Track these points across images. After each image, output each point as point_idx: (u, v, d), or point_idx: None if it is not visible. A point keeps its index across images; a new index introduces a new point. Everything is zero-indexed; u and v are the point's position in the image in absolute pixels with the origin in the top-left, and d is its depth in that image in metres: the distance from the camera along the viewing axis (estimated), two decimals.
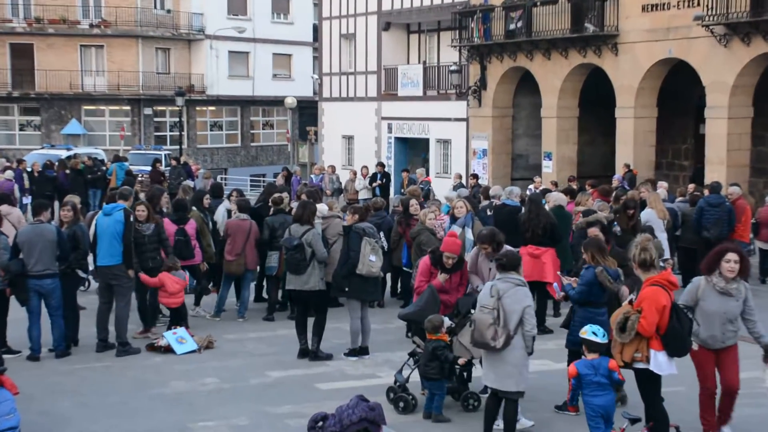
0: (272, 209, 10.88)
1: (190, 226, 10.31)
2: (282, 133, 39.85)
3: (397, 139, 27.17)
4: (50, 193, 18.81)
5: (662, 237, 11.04)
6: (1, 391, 5.92)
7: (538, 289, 9.50)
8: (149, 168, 22.97)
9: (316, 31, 33.02)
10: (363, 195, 20.39)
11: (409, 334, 9.05)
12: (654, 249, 6.36)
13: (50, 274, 8.66)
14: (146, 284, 9.55)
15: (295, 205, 10.30)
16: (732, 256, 6.19)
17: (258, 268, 11.04)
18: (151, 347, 9.22)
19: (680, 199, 13.68)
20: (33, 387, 7.87)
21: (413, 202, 11.28)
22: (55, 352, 8.93)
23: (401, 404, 7.19)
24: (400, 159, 26.85)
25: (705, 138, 18.56)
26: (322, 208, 10.32)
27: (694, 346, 6.26)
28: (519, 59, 22.18)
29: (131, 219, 9.12)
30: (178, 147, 31.23)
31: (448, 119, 24.73)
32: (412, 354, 7.43)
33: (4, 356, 7.85)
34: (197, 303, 10.94)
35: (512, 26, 21.73)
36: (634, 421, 6.05)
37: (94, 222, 9.41)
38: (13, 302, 9.08)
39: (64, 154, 24.43)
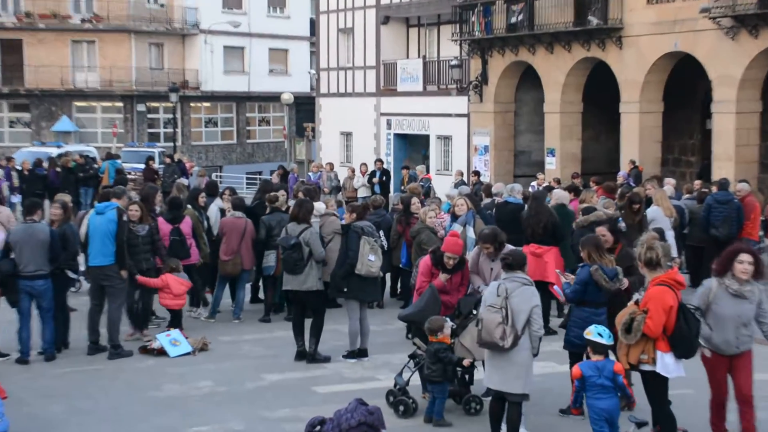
0: (268, 208, 10.85)
1: (186, 225, 10.26)
2: (278, 130, 39.81)
3: (397, 135, 27.15)
4: (40, 192, 18.78)
5: (669, 235, 11.01)
6: None
7: (541, 289, 9.46)
8: (142, 166, 22.95)
9: (313, 25, 32.99)
10: (362, 193, 20.37)
11: (410, 336, 9.03)
12: (660, 247, 6.33)
13: (42, 274, 8.64)
14: (146, 285, 9.52)
15: (292, 203, 10.27)
16: (746, 257, 6.08)
17: (254, 268, 11.00)
18: (144, 350, 9.20)
19: (687, 196, 13.66)
20: (22, 391, 7.84)
21: (415, 200, 11.25)
22: (44, 355, 8.90)
23: (401, 408, 7.17)
24: (399, 156, 26.83)
25: (712, 133, 18.54)
26: (319, 206, 10.29)
27: (707, 353, 6.17)
28: (521, 53, 22.15)
29: (124, 218, 9.09)
30: (172, 144, 31.20)
31: (449, 115, 24.71)
32: (412, 356, 7.40)
33: None
34: (197, 304, 10.88)
35: (514, 19, 21.70)
36: (640, 424, 6.04)
37: (86, 221, 9.38)
38: (2, 303, 9.05)
39: (54, 151, 24.39)
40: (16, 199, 19.62)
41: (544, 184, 16.98)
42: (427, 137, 26.04)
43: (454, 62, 23.63)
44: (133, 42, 35.90)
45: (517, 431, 6.37)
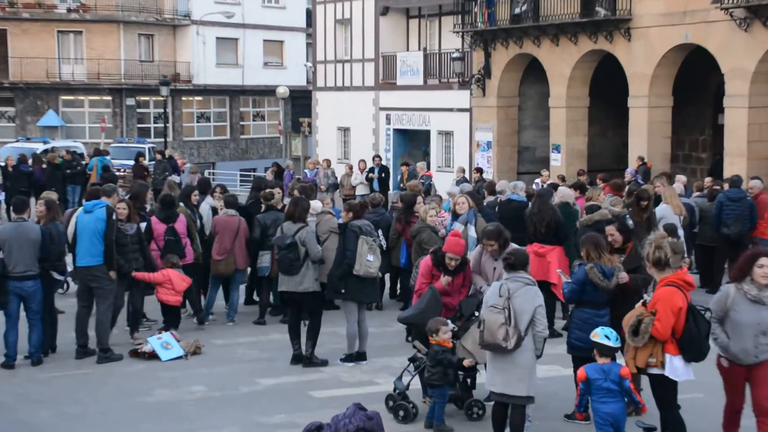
0: (263, 206, 10.86)
1: (181, 224, 10.24)
2: (273, 125, 39.82)
3: (396, 130, 27.17)
4: (26, 190, 18.78)
5: (678, 234, 11.04)
6: None
7: (545, 290, 9.49)
8: (132, 162, 22.96)
9: (310, 16, 32.98)
10: (360, 190, 20.39)
11: (410, 338, 9.05)
12: (669, 247, 6.35)
13: (32, 275, 8.67)
14: (146, 282, 9.57)
15: (287, 201, 10.29)
16: (766, 260, 6.01)
17: (249, 268, 11.02)
18: (135, 353, 9.22)
19: (697, 193, 13.69)
20: (8, 396, 7.87)
21: (419, 199, 11.26)
22: (31, 360, 8.93)
23: (401, 413, 7.20)
24: (399, 152, 26.84)
25: (724, 128, 18.56)
26: (315, 205, 10.32)
27: (724, 362, 6.16)
28: (525, 45, 22.17)
29: (114, 217, 9.11)
30: (162, 140, 31.22)
31: (450, 110, 24.73)
32: (412, 359, 7.43)
33: None
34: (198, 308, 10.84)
35: (518, 10, 21.71)
36: (648, 430, 6.06)
37: (73, 220, 9.40)
38: None
39: (40, 147, 24.42)
40: (0, 197, 19.63)
41: (549, 182, 17.01)
42: (427, 133, 26.05)
43: (455, 55, 23.65)
44: (122, 33, 35.89)
45: None
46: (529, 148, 23.88)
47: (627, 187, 13.15)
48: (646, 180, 16.20)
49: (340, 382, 8.38)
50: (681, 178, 14.48)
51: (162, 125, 33.42)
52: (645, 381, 6.48)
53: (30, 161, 20.97)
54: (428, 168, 22.50)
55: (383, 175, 20.89)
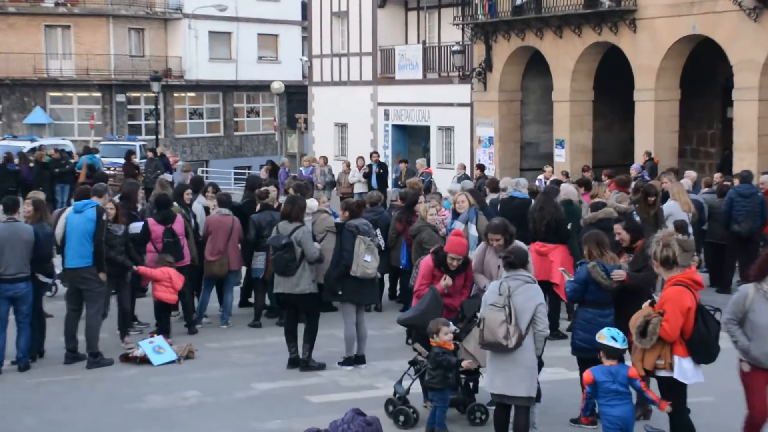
0: (258, 205, 10.84)
1: (179, 225, 10.22)
2: (268, 121, 39.81)
3: (395, 126, 27.16)
4: (13, 189, 18.78)
5: (688, 231, 11.03)
6: None
7: (549, 290, 9.48)
8: (122, 161, 22.94)
9: (305, 8, 32.96)
10: (358, 188, 20.38)
11: (410, 341, 9.04)
12: (677, 245, 6.33)
13: (23, 277, 8.68)
14: (150, 277, 9.65)
15: (283, 200, 10.26)
16: None
17: (243, 269, 11.01)
18: (125, 358, 9.21)
19: (706, 189, 13.68)
20: None
21: (422, 198, 11.23)
22: (18, 365, 8.91)
23: (401, 418, 7.19)
24: (398, 148, 26.85)
25: (733, 122, 18.57)
26: (311, 203, 10.30)
27: (745, 367, 6.12)
28: (528, 38, 22.16)
29: (104, 217, 9.10)
30: (154, 137, 31.18)
31: (451, 104, 24.73)
32: (412, 362, 7.42)
33: None
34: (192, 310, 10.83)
35: (520, 1, 21.72)
36: None
37: (62, 220, 9.38)
38: None
39: (27, 145, 24.40)
40: None
41: (552, 178, 17.01)
42: (427, 128, 26.06)
43: (456, 48, 23.64)
44: (112, 27, 35.87)
45: None
46: (532, 144, 23.88)
47: (633, 183, 13.15)
48: (653, 176, 16.19)
49: (339, 387, 8.37)
50: (690, 174, 14.47)
51: (153, 122, 33.38)
52: (654, 384, 6.46)
53: (17, 160, 20.96)
54: (428, 165, 22.49)
55: (381, 171, 20.88)
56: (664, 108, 19.75)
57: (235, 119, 40.21)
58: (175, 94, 37.89)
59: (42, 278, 9.16)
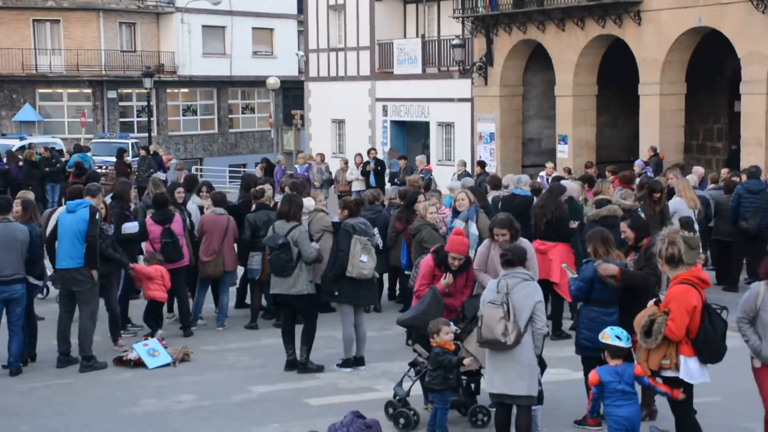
0: (254, 204, 10.86)
1: (177, 225, 10.26)
2: (264, 118, 39.82)
3: (394, 122, 27.18)
4: (2, 189, 18.77)
5: (695, 228, 11.08)
6: None
7: (548, 289, 9.50)
8: (114, 159, 22.94)
9: (301, 2, 32.97)
10: (356, 186, 20.40)
11: (410, 342, 9.07)
12: (683, 242, 6.37)
13: (19, 279, 8.70)
14: (144, 275, 9.72)
15: (279, 198, 10.28)
16: None
17: (238, 269, 11.03)
18: (119, 361, 9.23)
19: (712, 185, 13.71)
20: None
21: (421, 198, 11.25)
22: (9, 369, 8.93)
23: (402, 420, 7.22)
24: (396, 145, 26.87)
25: (741, 116, 18.60)
26: (308, 203, 10.32)
27: (756, 363, 6.17)
28: (529, 31, 22.18)
29: (97, 217, 9.13)
30: (146, 135, 31.20)
31: (451, 100, 24.75)
32: (413, 364, 7.45)
33: None
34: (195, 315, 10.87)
35: None
36: None
37: (53, 220, 9.40)
38: None
39: (16, 143, 24.38)
40: None
41: (554, 174, 17.03)
42: (426, 124, 26.08)
43: (455, 42, 23.65)
44: (102, 22, 35.85)
45: None
46: (534, 140, 23.90)
47: (638, 180, 13.18)
48: (658, 172, 16.22)
49: (338, 389, 8.39)
50: (697, 170, 14.49)
51: (146, 119, 33.40)
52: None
53: (5, 159, 20.95)
54: (428, 162, 22.50)
55: (379, 168, 20.89)
56: (670, 102, 19.78)
57: (230, 116, 40.21)
58: (168, 91, 37.89)
59: (32, 280, 9.16)
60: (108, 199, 10.43)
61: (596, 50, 21.22)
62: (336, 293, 8.69)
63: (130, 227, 10.18)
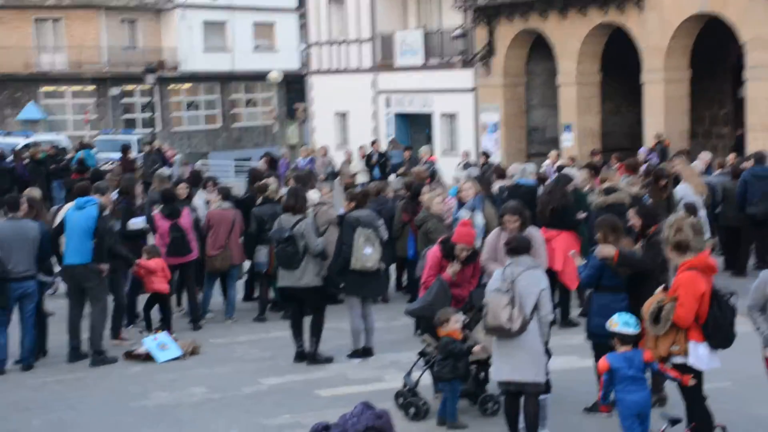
0: (260, 198, 10.88)
1: (185, 219, 10.30)
2: (267, 112, 39.80)
3: (397, 114, 27.15)
4: (8, 187, 18.81)
5: (701, 215, 11.06)
6: None
7: (550, 278, 9.47)
8: (119, 155, 22.96)
9: None
10: (360, 178, 20.40)
11: (418, 332, 9.08)
12: (690, 228, 6.35)
13: (31, 275, 8.77)
14: (147, 270, 9.74)
15: (284, 191, 10.30)
16: None
17: (246, 263, 11.05)
18: (130, 355, 9.27)
19: (719, 171, 13.67)
20: None
21: (426, 189, 11.26)
22: (21, 365, 8.98)
23: (412, 410, 7.24)
24: (400, 137, 26.83)
25: (745, 102, 18.54)
26: (312, 196, 10.33)
27: (767, 352, 6.15)
28: (531, 20, 22.12)
29: (105, 212, 9.21)
30: (150, 131, 31.22)
31: (454, 91, 24.70)
32: (422, 354, 7.46)
33: None
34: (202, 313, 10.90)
35: None
36: (674, 422, 6.07)
37: (59, 217, 9.43)
38: None
39: (21, 142, 24.42)
40: None
41: (558, 163, 17.01)
42: (430, 116, 26.04)
43: (457, 32, 23.60)
44: (104, 19, 35.84)
45: (535, 427, 6.43)
46: (538, 129, 23.86)
47: (642, 167, 13.14)
48: (664, 159, 16.18)
49: (347, 380, 8.42)
50: (704, 156, 14.44)
51: (149, 115, 33.42)
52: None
53: (11, 157, 20.99)
54: (432, 153, 22.46)
55: (383, 160, 20.89)
56: (674, 89, 19.73)
57: (233, 111, 40.19)
58: (171, 87, 37.89)
59: (42, 277, 9.23)
60: (114, 195, 10.47)
61: (599, 38, 21.16)
62: (342, 285, 8.71)
63: (136, 223, 10.21)
